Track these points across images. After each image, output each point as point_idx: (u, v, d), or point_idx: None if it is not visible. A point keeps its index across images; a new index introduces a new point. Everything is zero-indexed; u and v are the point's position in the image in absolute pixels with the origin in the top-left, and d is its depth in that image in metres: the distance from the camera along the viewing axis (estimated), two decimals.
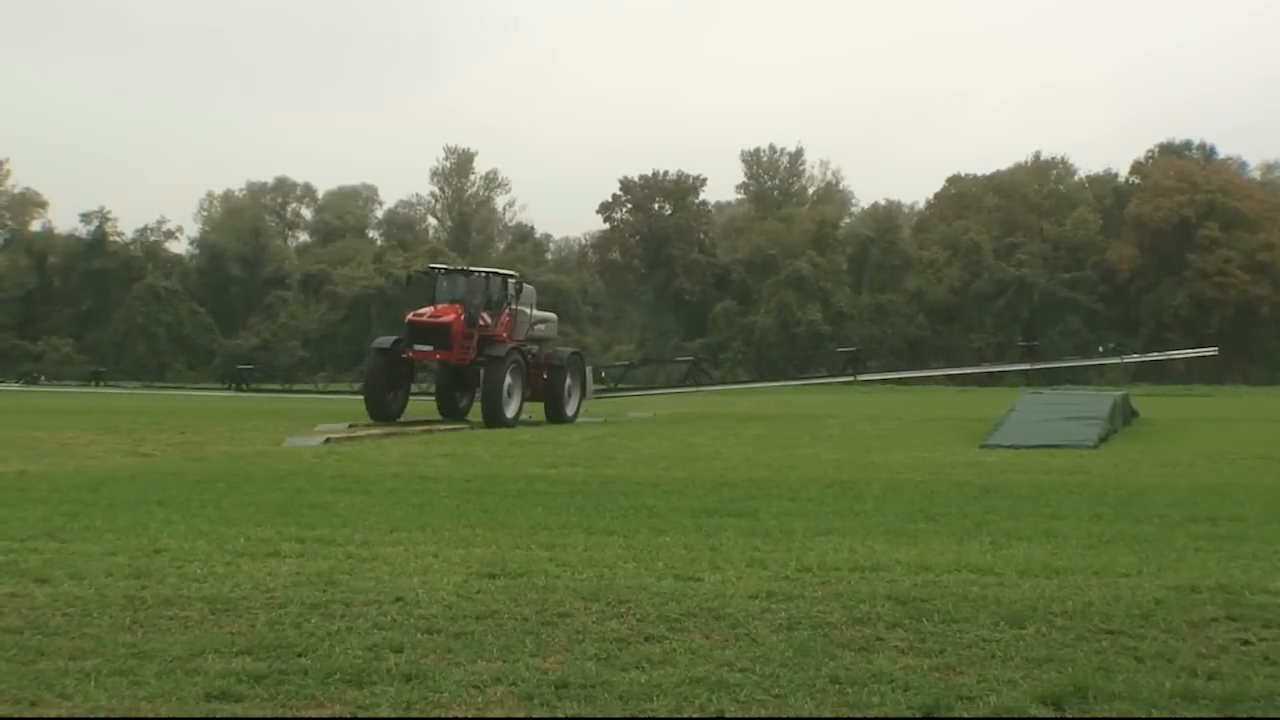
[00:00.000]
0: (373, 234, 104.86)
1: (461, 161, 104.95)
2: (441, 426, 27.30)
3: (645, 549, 9.40)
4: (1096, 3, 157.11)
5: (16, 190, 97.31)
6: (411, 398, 30.59)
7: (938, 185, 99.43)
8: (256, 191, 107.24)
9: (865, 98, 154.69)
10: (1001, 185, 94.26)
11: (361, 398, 30.45)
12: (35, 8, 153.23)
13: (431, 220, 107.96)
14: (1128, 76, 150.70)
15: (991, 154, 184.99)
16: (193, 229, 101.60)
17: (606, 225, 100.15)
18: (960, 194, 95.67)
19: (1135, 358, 57.12)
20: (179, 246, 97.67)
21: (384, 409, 28.52)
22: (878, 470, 16.39)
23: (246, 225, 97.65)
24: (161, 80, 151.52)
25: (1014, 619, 6.94)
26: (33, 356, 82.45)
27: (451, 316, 28.52)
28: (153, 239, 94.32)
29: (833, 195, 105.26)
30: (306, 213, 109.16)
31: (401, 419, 28.72)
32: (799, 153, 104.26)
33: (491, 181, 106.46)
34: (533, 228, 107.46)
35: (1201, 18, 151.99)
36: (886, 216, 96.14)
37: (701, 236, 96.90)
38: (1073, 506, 12.21)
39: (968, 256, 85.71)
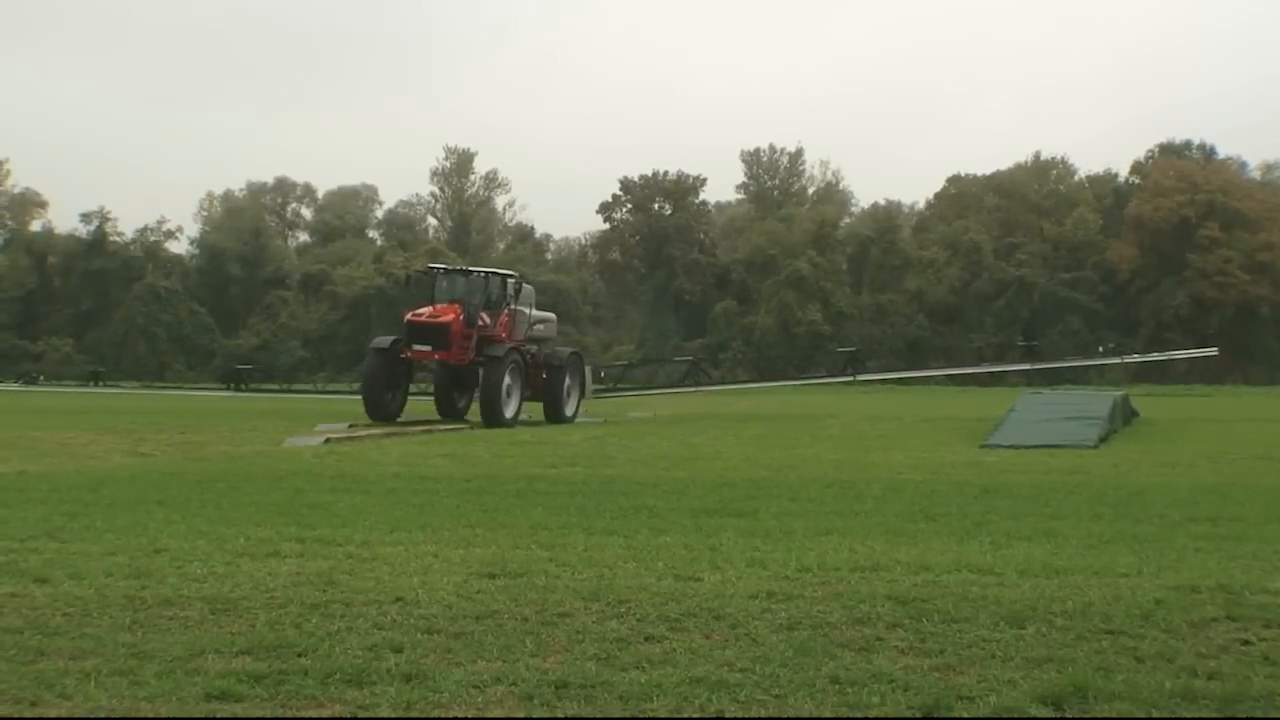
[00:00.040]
0: (373, 234, 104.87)
1: (461, 161, 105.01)
2: (441, 427, 27.29)
3: (645, 549, 9.40)
4: (1096, 3, 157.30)
5: (16, 190, 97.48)
6: (410, 398, 30.58)
7: (938, 185, 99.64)
8: (256, 191, 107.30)
9: (865, 98, 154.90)
10: (1001, 185, 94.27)
11: (360, 398, 30.44)
12: (35, 8, 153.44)
13: (431, 220, 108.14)
14: (1128, 76, 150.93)
15: (991, 154, 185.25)
16: (193, 229, 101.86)
17: (606, 225, 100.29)
18: (960, 194, 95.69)
19: (1135, 358, 57.12)
20: (179, 246, 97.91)
21: (382, 409, 28.50)
22: (878, 470, 16.39)
23: (246, 225, 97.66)
24: (161, 80, 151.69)
25: (1014, 619, 6.94)
26: (33, 356, 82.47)
27: (450, 317, 28.49)
28: (153, 239, 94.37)
29: (833, 195, 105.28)
30: (306, 213, 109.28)
31: (402, 419, 28.72)
32: (799, 153, 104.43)
33: (491, 181, 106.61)
34: (533, 228, 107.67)
35: (1201, 18, 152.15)
36: (886, 216, 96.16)
37: (701, 236, 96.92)
38: (1073, 506, 12.21)
39: (968, 256, 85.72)
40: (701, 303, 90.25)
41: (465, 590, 7.72)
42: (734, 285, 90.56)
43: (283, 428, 25.32)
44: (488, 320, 29.20)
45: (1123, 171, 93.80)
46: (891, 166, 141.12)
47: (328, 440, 21.70)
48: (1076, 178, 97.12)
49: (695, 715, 5.30)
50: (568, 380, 31.26)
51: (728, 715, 5.29)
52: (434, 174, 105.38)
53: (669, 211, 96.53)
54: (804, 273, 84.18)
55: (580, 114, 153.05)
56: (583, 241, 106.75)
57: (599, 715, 5.28)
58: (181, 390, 60.50)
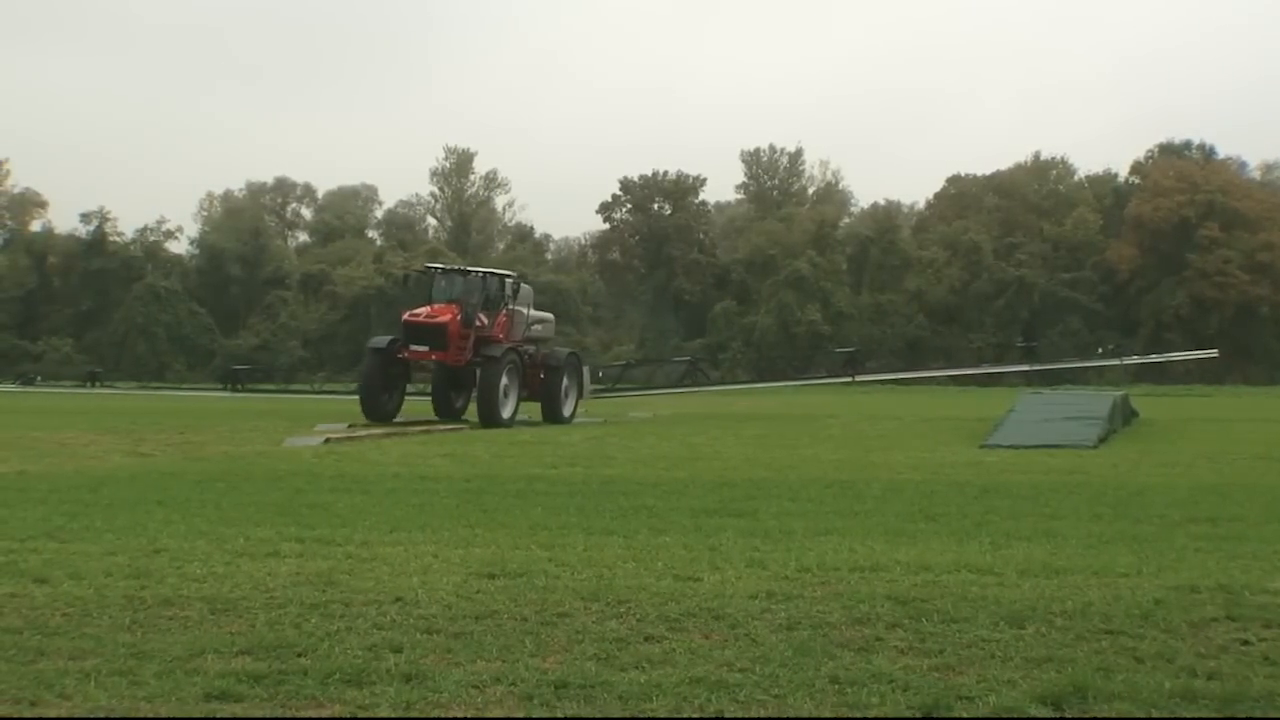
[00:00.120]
0: (372, 234, 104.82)
1: (461, 161, 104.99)
2: (441, 427, 27.28)
3: (645, 549, 9.40)
4: (1096, 3, 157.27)
5: (16, 190, 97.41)
6: (408, 398, 30.54)
7: (937, 185, 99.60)
8: (256, 191, 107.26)
9: (865, 98, 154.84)
10: (1001, 185, 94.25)
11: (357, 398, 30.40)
12: (35, 8, 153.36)
13: (431, 220, 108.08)
14: (1128, 76, 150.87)
15: (991, 154, 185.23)
16: (192, 229, 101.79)
17: (606, 225, 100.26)
18: (960, 194, 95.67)
19: (1135, 359, 57.11)
20: (179, 246, 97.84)
21: (379, 409, 28.44)
22: (878, 470, 16.39)
23: (246, 225, 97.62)
24: (161, 80, 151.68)
25: (1014, 619, 6.94)
26: (32, 356, 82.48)
27: (448, 317, 28.43)
28: (152, 239, 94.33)
29: (832, 195, 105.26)
30: (306, 213, 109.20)
31: (402, 419, 28.70)
32: (799, 153, 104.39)
33: (491, 181, 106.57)
34: (532, 228, 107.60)
35: (1201, 18, 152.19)
36: (886, 216, 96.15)
37: (701, 236, 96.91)
38: (1072, 506, 12.21)
39: (967, 256, 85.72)
40: (701, 303, 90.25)
41: (465, 590, 7.72)
42: (734, 285, 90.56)
43: (282, 428, 25.32)
44: (485, 320, 29.16)
45: (1122, 171, 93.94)
46: (891, 166, 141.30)
47: (327, 440, 21.70)
48: (1076, 178, 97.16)
49: (695, 715, 5.30)
50: (566, 380, 31.22)
51: (727, 715, 5.29)
52: (434, 174, 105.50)
53: (669, 211, 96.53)
54: (804, 273, 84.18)
55: (580, 114, 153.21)
56: (582, 241, 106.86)
57: (599, 715, 5.28)
58: (179, 390, 60.50)
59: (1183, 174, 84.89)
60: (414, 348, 28.67)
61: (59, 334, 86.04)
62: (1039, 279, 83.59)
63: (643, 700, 5.43)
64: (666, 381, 49.47)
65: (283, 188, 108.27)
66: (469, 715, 5.27)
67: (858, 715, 5.30)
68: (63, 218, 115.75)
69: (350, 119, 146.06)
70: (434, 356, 28.90)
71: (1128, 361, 55.74)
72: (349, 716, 5.26)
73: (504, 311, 29.90)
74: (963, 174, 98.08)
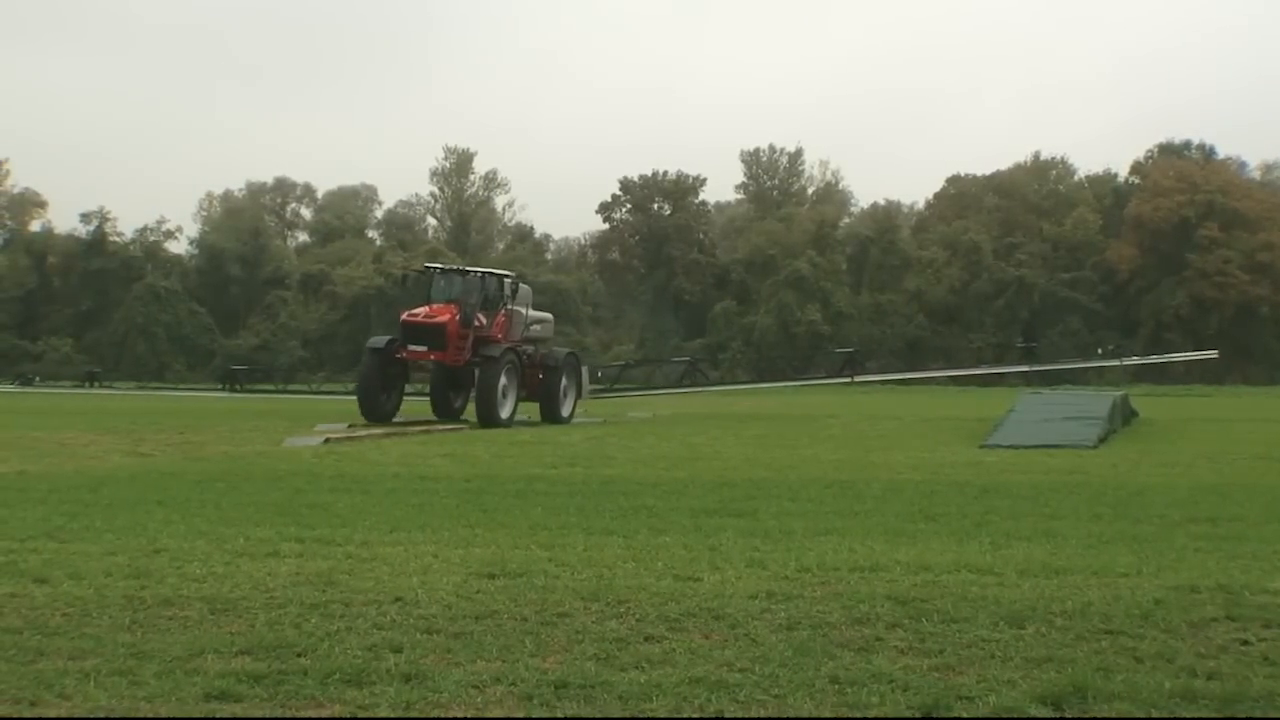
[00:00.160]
0: (372, 234, 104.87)
1: (461, 161, 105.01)
2: (440, 427, 27.27)
3: (645, 549, 9.40)
4: (1096, 3, 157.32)
5: (16, 190, 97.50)
6: (406, 398, 30.50)
7: (937, 185, 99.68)
8: (256, 191, 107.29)
9: (865, 98, 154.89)
10: (1001, 185, 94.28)
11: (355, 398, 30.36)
12: (35, 8, 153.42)
13: (431, 220, 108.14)
14: (1128, 76, 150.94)
15: (991, 154, 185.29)
16: (192, 229, 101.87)
17: (606, 225, 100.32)
18: (960, 194, 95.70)
19: (1134, 360, 57.11)
20: (179, 246, 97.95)
21: (378, 409, 28.39)
22: (878, 470, 16.39)
23: (246, 225, 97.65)
24: (161, 80, 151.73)
25: (1014, 619, 6.94)
26: (32, 356, 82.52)
27: (446, 317, 28.39)
28: (152, 239, 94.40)
29: (832, 195, 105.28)
30: (306, 213, 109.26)
31: (401, 419, 28.69)
32: (799, 153, 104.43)
33: (491, 181, 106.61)
34: (532, 228, 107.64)
35: (1201, 18, 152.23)
36: (886, 216, 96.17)
37: (701, 236, 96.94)
38: (1072, 506, 12.21)
39: (967, 256, 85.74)
40: (701, 303, 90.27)
41: (465, 590, 7.72)
42: (733, 285, 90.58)
43: (282, 428, 25.32)
44: (484, 320, 29.13)
45: (1122, 171, 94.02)
46: (891, 166, 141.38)
47: (327, 440, 21.70)
48: (1076, 178, 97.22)
49: (695, 715, 5.30)
50: (564, 381, 31.17)
51: (727, 715, 5.29)
52: (434, 174, 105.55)
53: (669, 211, 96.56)
54: (803, 273, 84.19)
55: (580, 114, 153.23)
56: (582, 241, 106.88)
57: (598, 715, 5.27)
58: (177, 391, 60.49)
59: (1183, 174, 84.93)
60: (412, 348, 28.62)
61: (59, 334, 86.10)
62: (1039, 279, 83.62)
63: (643, 700, 5.42)
64: (665, 382, 49.46)
65: (283, 188, 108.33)
66: (469, 715, 5.27)
67: (858, 715, 5.29)
68: (63, 218, 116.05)
69: (350, 119, 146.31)
70: (432, 356, 28.86)
71: (1127, 362, 55.74)
72: (349, 716, 5.26)
73: (503, 311, 29.87)
74: (963, 174, 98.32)
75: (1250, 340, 77.55)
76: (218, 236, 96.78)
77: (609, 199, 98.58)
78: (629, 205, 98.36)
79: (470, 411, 29.42)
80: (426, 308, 29.16)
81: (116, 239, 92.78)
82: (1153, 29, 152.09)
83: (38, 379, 71.90)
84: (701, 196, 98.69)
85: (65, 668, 5.87)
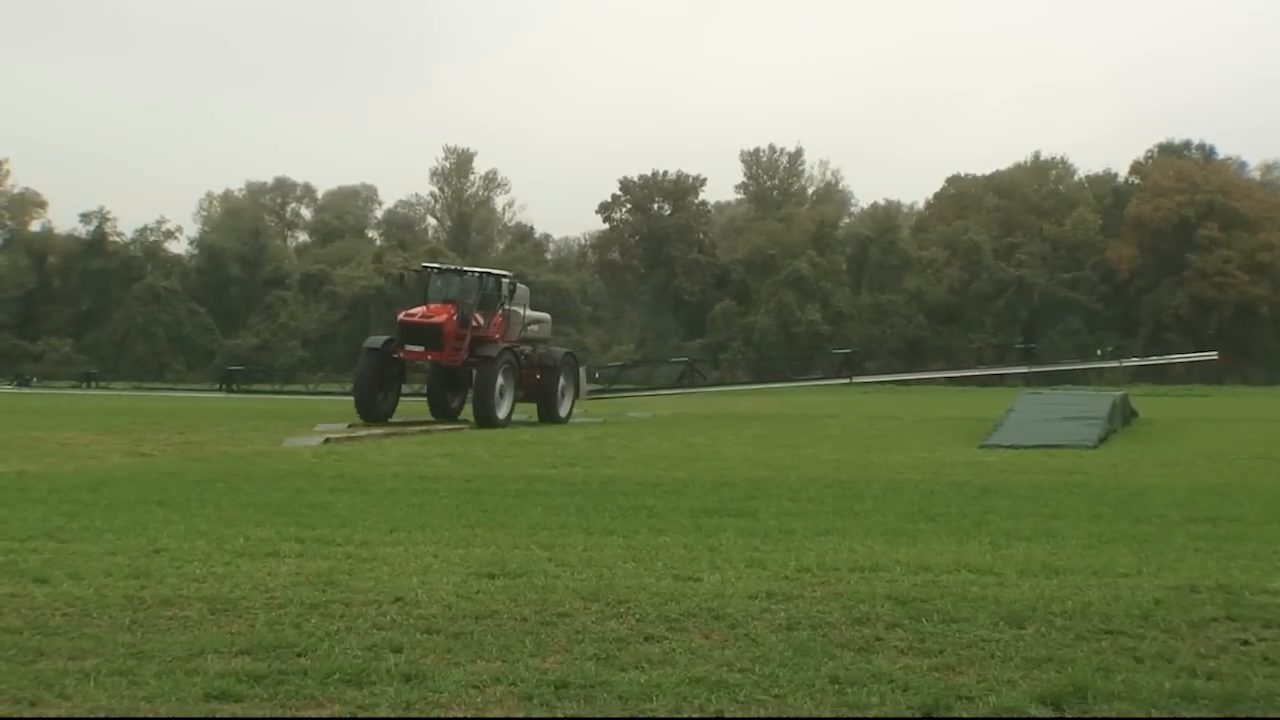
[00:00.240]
0: (372, 234, 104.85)
1: (461, 161, 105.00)
2: (440, 427, 27.26)
3: (645, 549, 9.40)
4: (1096, 3, 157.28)
5: (16, 190, 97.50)
6: (403, 398, 30.46)
7: (937, 185, 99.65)
8: (256, 191, 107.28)
9: (865, 98, 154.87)
10: (1001, 185, 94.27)
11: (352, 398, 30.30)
12: (35, 8, 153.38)
13: (431, 220, 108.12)
14: (1128, 76, 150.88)
15: (991, 154, 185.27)
16: (192, 229, 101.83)
17: (606, 225, 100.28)
18: (960, 194, 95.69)
19: (1134, 362, 57.10)
20: (178, 246, 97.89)
21: (375, 409, 28.34)
22: (877, 470, 16.39)
23: (246, 225, 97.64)
24: (161, 80, 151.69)
25: (1014, 619, 6.94)
26: (32, 356, 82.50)
27: (443, 317, 28.34)
28: (152, 239, 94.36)
29: (832, 195, 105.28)
30: (306, 213, 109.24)
31: (401, 420, 28.67)
32: (798, 153, 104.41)
33: (491, 181, 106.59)
34: (532, 228, 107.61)
35: (1201, 18, 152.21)
36: (886, 216, 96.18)
37: (701, 236, 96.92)
38: (1072, 506, 12.21)
39: (967, 256, 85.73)
40: (701, 303, 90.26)
41: (465, 590, 7.72)
42: (733, 285, 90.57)
43: (282, 428, 25.32)
44: (481, 320, 29.10)
45: (1122, 171, 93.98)
46: (891, 166, 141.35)
47: (327, 440, 21.70)
48: (1076, 178, 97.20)
49: (695, 715, 5.30)
50: (562, 381, 31.09)
51: (727, 715, 5.29)
52: (434, 174, 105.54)
53: (668, 211, 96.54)
54: (803, 273, 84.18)
55: (580, 114, 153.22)
56: (582, 241, 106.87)
57: (598, 715, 5.28)
58: (175, 391, 60.47)
59: (1183, 174, 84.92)
60: (409, 348, 28.58)
61: (59, 334, 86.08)
62: (1039, 279, 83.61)
63: (643, 700, 5.43)
64: (665, 382, 49.46)
65: (283, 188, 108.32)
66: (469, 715, 5.27)
67: (858, 715, 5.30)
68: (63, 218, 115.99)
69: (350, 119, 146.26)
70: (430, 356, 28.81)
71: (1126, 364, 55.74)
72: (349, 716, 5.26)
73: (500, 311, 29.83)
74: (962, 174, 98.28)
75: (1250, 340, 77.53)
76: (218, 236, 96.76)
77: (609, 199, 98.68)
78: (629, 205, 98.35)
79: (468, 411, 29.39)
80: (424, 308, 29.11)
81: (116, 239, 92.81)
82: (1153, 29, 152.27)
83: (35, 379, 71.89)
84: (701, 196, 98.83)
85: (65, 668, 5.88)
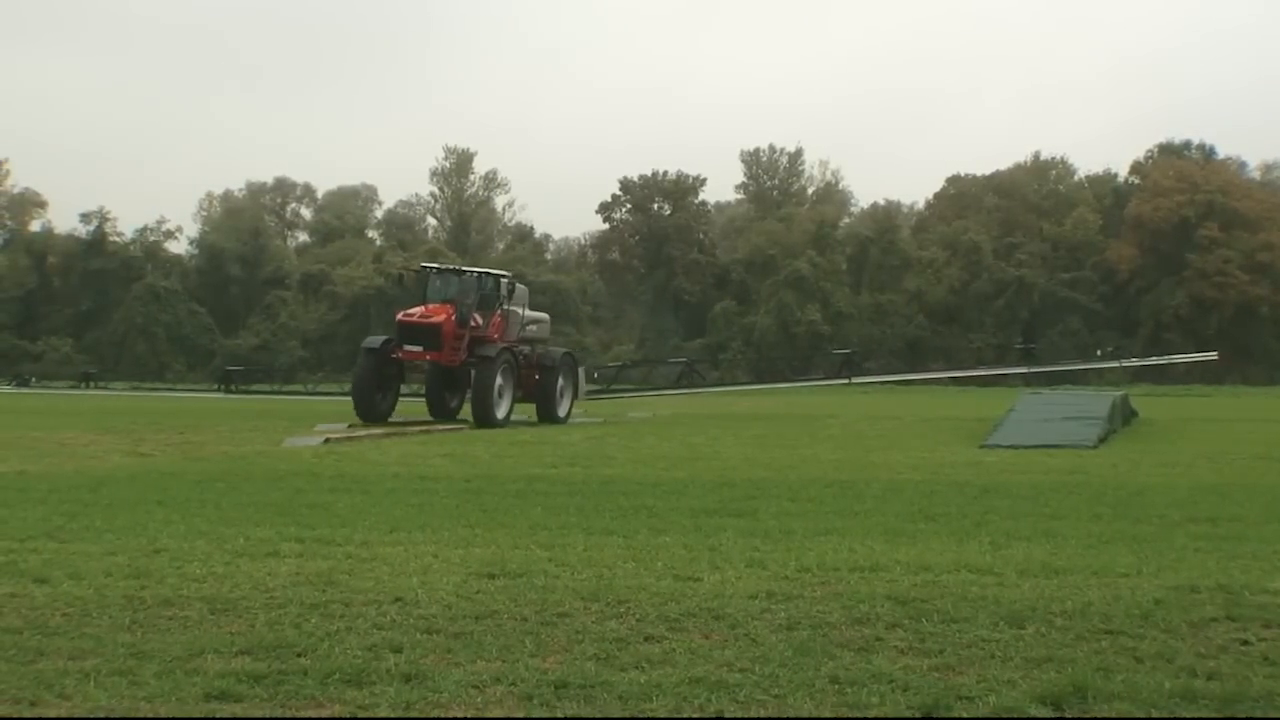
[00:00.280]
0: (372, 234, 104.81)
1: (461, 161, 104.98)
2: (440, 427, 27.26)
3: (645, 549, 9.40)
4: (1096, 2, 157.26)
5: (16, 190, 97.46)
6: (401, 399, 30.44)
7: (937, 185, 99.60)
8: (256, 191, 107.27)
9: (865, 98, 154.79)
10: (1001, 185, 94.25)
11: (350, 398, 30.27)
12: (35, 8, 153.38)
13: (431, 220, 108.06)
14: (1128, 76, 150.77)
15: (991, 154, 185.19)
16: (192, 229, 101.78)
17: (606, 225, 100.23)
18: (960, 194, 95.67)
19: (1134, 362, 57.08)
20: (178, 246, 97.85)
21: (373, 409, 28.32)
22: (877, 470, 16.39)
23: (246, 225, 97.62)
24: (161, 80, 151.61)
25: (1014, 619, 6.94)
26: (32, 357, 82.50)
27: (442, 317, 28.31)
28: (152, 239, 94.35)
29: (832, 195, 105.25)
30: (306, 213, 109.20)
31: (401, 420, 28.66)
32: (798, 153, 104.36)
33: (491, 181, 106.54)
34: (532, 228, 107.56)
35: (1201, 18, 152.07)
36: (886, 216, 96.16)
37: (701, 236, 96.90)
38: (1072, 506, 12.21)
39: (967, 256, 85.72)
40: (701, 303, 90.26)
41: (465, 590, 7.72)
42: (733, 285, 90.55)
43: (282, 428, 25.33)
44: (480, 320, 29.08)
45: (1122, 171, 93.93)
46: (891, 166, 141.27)
47: (327, 440, 21.70)
48: (1076, 178, 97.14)
49: (695, 715, 5.30)
50: (561, 381, 31.03)
51: (727, 715, 5.29)
52: (434, 174, 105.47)
53: (668, 211, 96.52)
54: (803, 273, 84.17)
55: (580, 114, 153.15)
56: (582, 241, 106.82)
57: (598, 715, 5.28)
58: (173, 391, 60.44)
59: (1182, 174, 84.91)
60: (408, 348, 28.55)
61: (59, 334, 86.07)
62: (1039, 279, 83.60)
63: (643, 700, 5.43)
64: (664, 383, 49.46)
65: (283, 188, 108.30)
66: (469, 715, 5.27)
67: (858, 715, 5.30)
68: (63, 218, 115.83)
69: (350, 119, 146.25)
70: (428, 357, 28.77)
71: (1126, 365, 55.72)
72: (349, 716, 5.26)
73: (499, 311, 29.80)
74: (962, 174, 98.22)
75: (1250, 340, 77.50)
76: (218, 236, 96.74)
77: (609, 199, 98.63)
78: (629, 205, 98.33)
79: (466, 411, 29.36)
80: (422, 308, 29.08)
81: (116, 239, 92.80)
82: (1153, 29, 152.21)
83: (33, 379, 71.88)
84: (701, 196, 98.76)
85: (65, 668, 5.88)
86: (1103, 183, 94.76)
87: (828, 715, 5.30)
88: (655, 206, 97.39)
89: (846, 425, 28.44)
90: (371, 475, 15.33)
